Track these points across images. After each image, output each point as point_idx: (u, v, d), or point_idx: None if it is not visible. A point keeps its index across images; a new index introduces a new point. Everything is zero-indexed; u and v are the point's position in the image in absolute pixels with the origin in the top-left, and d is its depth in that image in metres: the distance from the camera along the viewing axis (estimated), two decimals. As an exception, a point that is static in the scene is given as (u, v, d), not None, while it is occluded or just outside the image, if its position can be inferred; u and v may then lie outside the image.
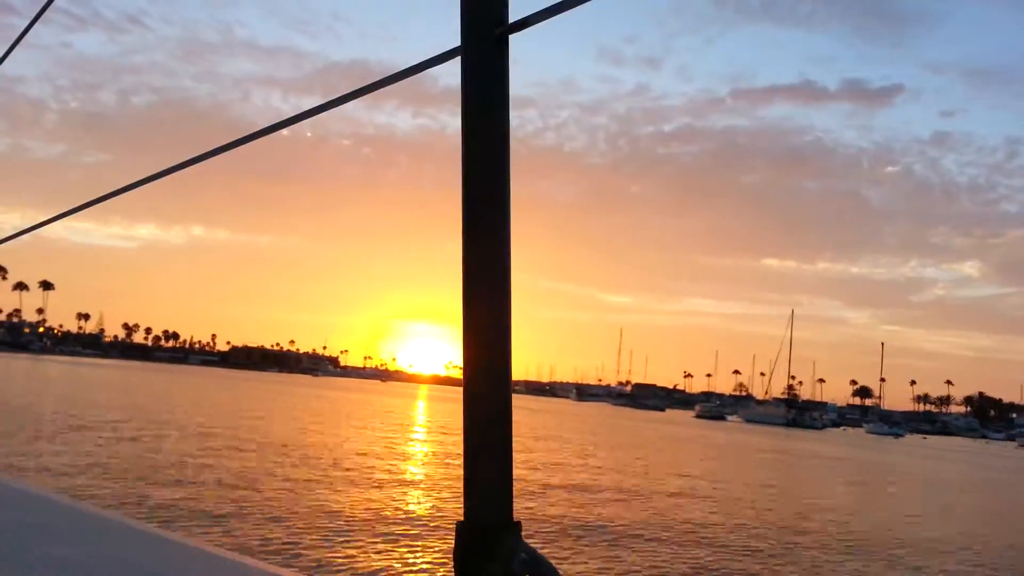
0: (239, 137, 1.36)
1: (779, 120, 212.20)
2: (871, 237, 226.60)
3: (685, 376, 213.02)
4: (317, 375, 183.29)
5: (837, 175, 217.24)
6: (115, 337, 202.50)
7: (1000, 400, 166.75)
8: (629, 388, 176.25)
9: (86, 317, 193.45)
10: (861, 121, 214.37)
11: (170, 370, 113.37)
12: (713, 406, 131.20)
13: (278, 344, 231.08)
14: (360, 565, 10.63)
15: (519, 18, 0.90)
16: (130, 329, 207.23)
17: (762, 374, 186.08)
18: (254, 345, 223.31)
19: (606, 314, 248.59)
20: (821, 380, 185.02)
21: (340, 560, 10.76)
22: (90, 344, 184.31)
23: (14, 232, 2.34)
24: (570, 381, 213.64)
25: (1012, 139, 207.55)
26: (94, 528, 1.89)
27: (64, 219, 1.98)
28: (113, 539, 1.79)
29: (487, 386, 0.90)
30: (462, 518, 0.91)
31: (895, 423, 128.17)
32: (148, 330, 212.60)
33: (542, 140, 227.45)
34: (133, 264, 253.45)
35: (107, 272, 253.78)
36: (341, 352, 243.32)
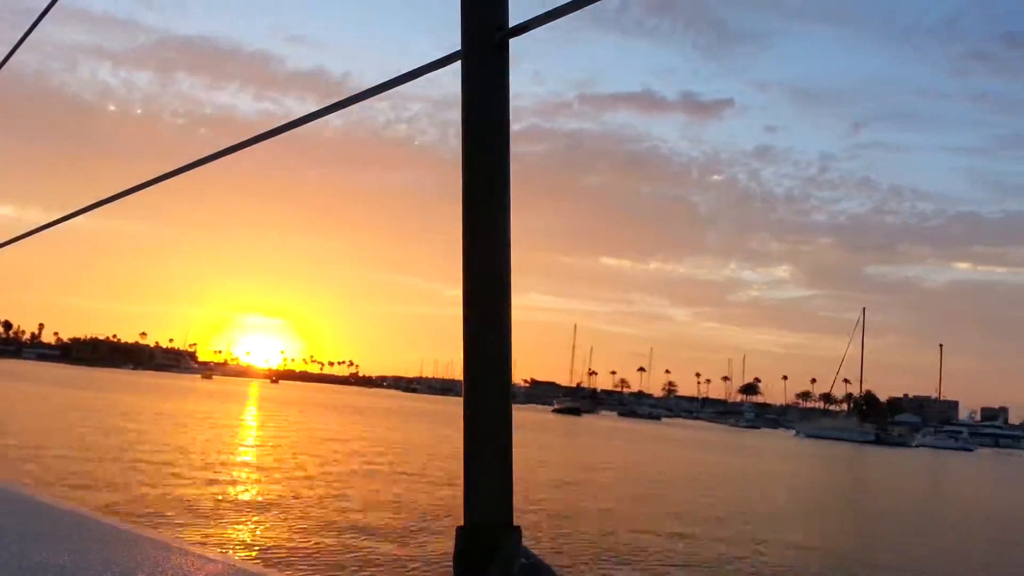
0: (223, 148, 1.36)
1: (621, 126, 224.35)
2: (697, 240, 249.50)
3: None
4: (210, 376, 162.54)
5: (670, 181, 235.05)
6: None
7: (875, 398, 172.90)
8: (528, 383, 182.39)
9: None
10: (693, 132, 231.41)
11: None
12: (569, 403, 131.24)
13: (115, 336, 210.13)
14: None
15: (520, 22, 0.90)
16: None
17: (641, 369, 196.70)
18: (101, 336, 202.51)
19: (450, 308, 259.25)
20: (668, 372, 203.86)
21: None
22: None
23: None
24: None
25: (826, 155, 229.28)
26: (91, 533, 1.88)
27: None
28: (110, 544, 1.78)
29: (487, 389, 0.90)
30: (462, 522, 0.91)
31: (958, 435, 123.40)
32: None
33: (393, 132, 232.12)
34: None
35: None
36: (190, 345, 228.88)
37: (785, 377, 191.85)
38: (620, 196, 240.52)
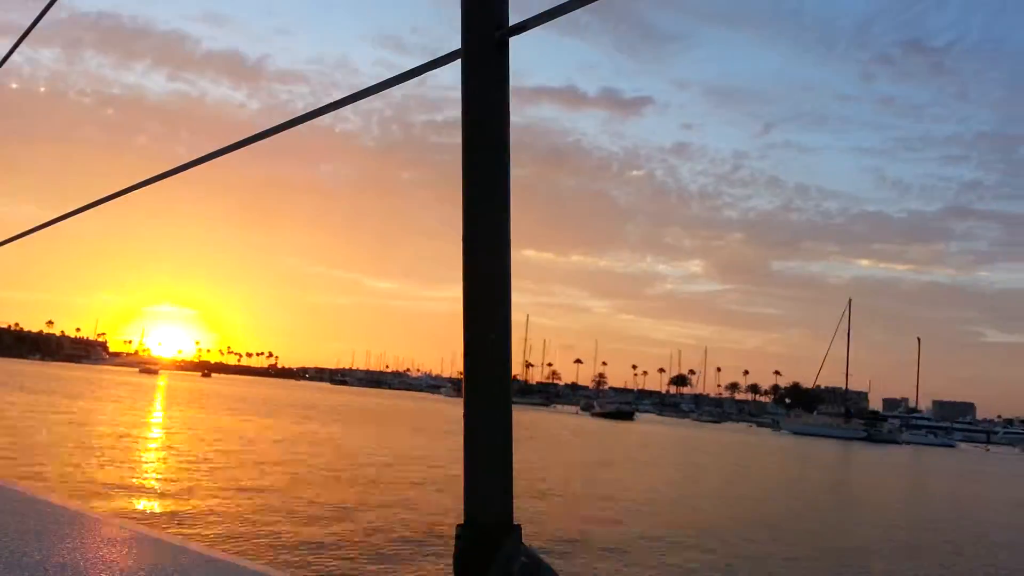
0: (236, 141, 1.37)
1: (546, 120, 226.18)
2: (616, 234, 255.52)
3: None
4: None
5: (591, 175, 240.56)
6: None
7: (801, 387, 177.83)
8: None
9: None
10: (614, 127, 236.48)
11: None
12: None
13: (17, 324, 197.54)
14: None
15: (519, 21, 0.90)
16: None
17: (578, 361, 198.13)
18: (3, 325, 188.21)
19: (370, 299, 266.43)
20: (605, 364, 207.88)
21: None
22: None
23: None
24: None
25: (739, 153, 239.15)
26: (92, 531, 1.89)
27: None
28: (110, 542, 1.79)
29: (487, 388, 0.91)
30: (462, 520, 0.91)
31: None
32: None
33: (315, 120, 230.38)
34: None
35: None
36: (99, 335, 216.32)
37: (719, 369, 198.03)
38: (543, 189, 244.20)
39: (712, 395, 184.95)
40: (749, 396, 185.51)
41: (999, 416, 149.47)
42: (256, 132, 1.35)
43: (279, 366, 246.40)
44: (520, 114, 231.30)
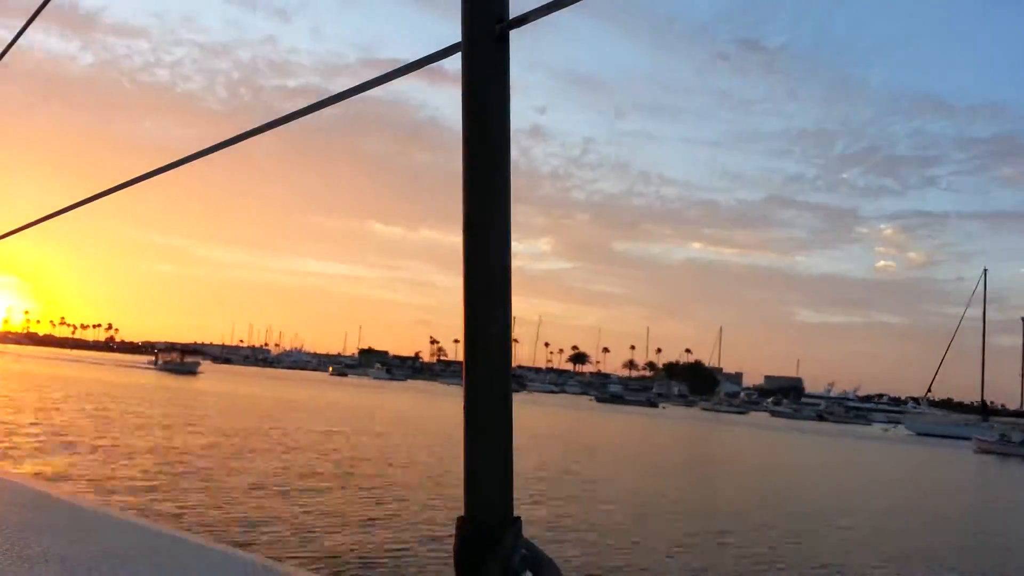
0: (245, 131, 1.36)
1: (401, 93, 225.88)
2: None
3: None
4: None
5: (447, 151, 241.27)
6: None
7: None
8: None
9: None
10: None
11: None
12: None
13: None
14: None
15: (519, 14, 0.90)
16: None
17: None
18: None
19: (204, 269, 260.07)
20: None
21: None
22: None
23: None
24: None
25: (588, 139, 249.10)
26: (93, 524, 1.88)
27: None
28: (111, 535, 1.78)
29: (487, 381, 0.91)
30: (462, 512, 0.92)
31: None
32: None
33: (152, 76, 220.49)
34: None
35: None
36: None
37: (606, 349, 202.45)
38: (395, 163, 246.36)
39: (613, 374, 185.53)
40: (648, 373, 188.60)
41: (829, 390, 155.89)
42: (240, 132, 1.34)
43: (117, 340, 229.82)
44: (384, 89, 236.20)
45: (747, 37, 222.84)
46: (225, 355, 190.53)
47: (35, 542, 1.44)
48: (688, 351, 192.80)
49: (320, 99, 1.21)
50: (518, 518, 0.91)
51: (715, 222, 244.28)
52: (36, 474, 13.81)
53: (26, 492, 2.09)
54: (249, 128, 1.31)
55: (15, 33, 2.23)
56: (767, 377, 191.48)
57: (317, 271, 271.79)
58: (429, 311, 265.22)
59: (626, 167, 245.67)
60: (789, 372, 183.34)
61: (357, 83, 1.12)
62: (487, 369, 0.91)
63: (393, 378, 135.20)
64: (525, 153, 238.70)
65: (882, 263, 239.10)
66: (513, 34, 0.90)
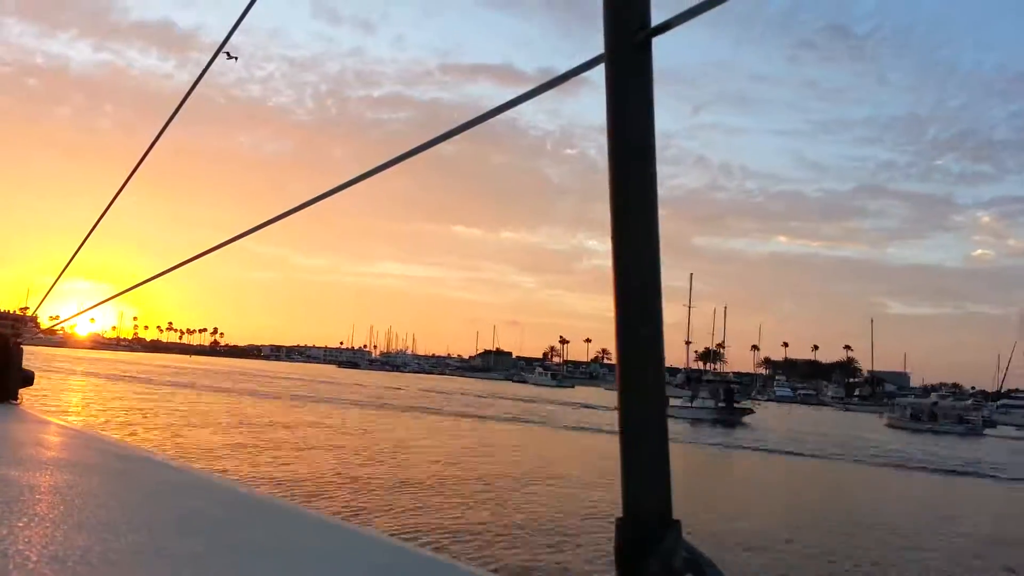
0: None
1: (480, 97, 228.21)
2: (548, 210, 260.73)
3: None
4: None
5: (525, 153, 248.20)
6: None
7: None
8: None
9: None
10: (551, 106, 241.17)
11: None
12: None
13: None
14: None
15: (663, 20, 0.91)
16: None
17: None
18: None
19: (299, 274, 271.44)
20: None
21: None
22: None
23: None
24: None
25: (668, 133, 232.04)
26: (285, 518, 1.95)
27: None
28: (307, 529, 1.84)
29: (643, 381, 0.91)
30: (621, 513, 0.92)
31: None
32: None
33: (245, 91, 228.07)
34: None
35: None
36: (21, 309, 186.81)
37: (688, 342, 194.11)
38: (475, 166, 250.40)
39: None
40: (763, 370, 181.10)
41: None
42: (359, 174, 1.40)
43: (223, 344, 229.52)
44: (454, 91, 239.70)
45: (834, 23, 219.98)
46: (328, 358, 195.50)
47: (227, 533, 1.52)
48: (847, 347, 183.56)
49: (455, 126, 1.25)
50: (678, 520, 0.91)
51: (801, 214, 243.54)
52: None
53: (213, 485, 2.18)
54: (385, 159, 1.37)
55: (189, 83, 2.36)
56: (870, 372, 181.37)
57: (398, 273, 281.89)
58: (515, 311, 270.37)
59: (708, 161, 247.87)
60: (893, 367, 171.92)
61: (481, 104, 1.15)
62: (640, 370, 0.91)
63: (560, 385, 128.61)
64: (602, 151, 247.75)
65: (978, 251, 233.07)
66: None
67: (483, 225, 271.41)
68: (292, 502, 2.61)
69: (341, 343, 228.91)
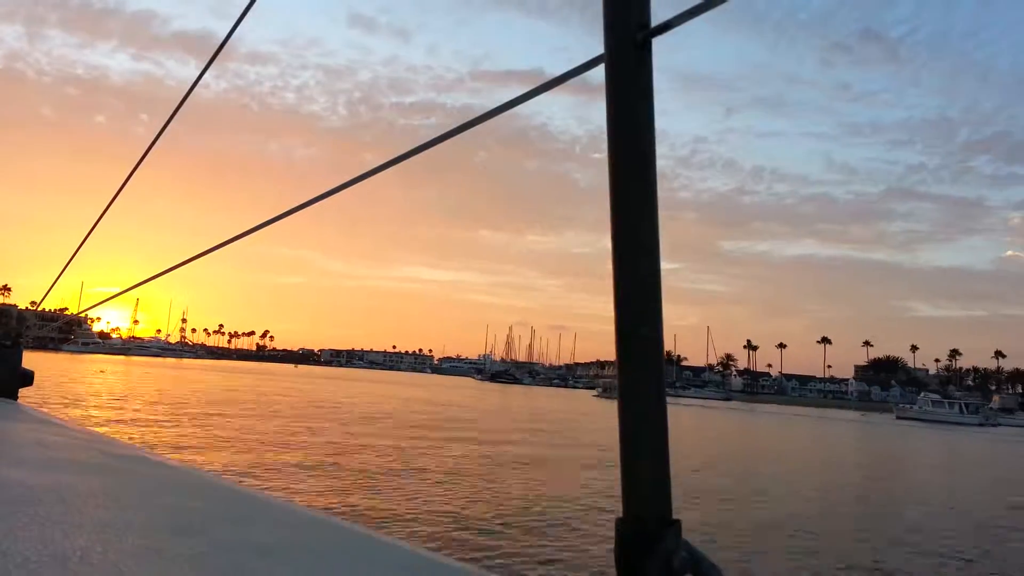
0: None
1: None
2: (576, 214, 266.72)
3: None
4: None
5: (554, 158, 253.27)
6: None
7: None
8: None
9: None
10: (580, 112, 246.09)
11: None
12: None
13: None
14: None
15: (663, 20, 0.91)
16: None
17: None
18: None
19: (329, 279, 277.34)
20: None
21: None
22: None
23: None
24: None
25: (698, 137, 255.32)
26: (294, 521, 1.96)
27: None
28: (312, 532, 1.85)
29: (642, 384, 0.91)
30: (621, 515, 0.92)
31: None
32: None
33: (279, 99, 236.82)
34: None
35: None
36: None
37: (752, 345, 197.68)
38: (505, 171, 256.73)
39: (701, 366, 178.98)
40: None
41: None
42: (373, 166, 1.40)
43: (270, 348, 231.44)
44: (485, 97, 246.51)
45: (868, 27, 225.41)
46: (388, 363, 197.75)
47: (230, 533, 1.52)
48: (867, 343, 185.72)
49: (466, 120, 1.25)
50: (677, 520, 0.91)
51: (830, 217, 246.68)
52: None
53: (218, 487, 2.17)
54: (397, 154, 1.38)
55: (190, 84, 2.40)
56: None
57: (428, 278, 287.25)
58: (520, 313, 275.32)
59: (737, 165, 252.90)
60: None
61: (499, 102, 1.16)
62: (640, 371, 0.91)
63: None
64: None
65: (1010, 253, 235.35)
66: None
67: (511, 229, 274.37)
68: (290, 501, 2.61)
69: (394, 346, 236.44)
